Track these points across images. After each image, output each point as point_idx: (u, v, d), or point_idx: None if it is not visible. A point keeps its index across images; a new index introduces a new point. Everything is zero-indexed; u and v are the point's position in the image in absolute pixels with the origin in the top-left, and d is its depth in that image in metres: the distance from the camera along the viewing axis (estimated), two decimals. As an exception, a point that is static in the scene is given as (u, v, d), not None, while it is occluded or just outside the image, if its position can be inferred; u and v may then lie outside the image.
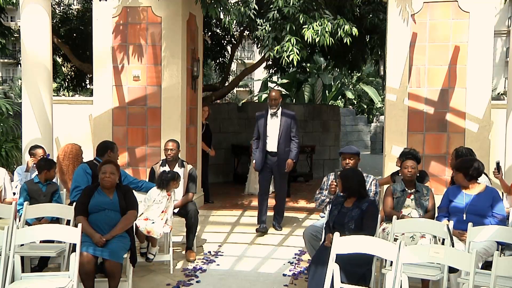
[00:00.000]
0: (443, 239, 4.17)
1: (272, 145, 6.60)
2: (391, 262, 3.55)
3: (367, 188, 4.65)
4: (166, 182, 5.05)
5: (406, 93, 6.78)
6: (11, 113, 8.56)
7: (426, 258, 3.52)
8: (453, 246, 3.96)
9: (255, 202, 7.77)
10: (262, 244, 6.18)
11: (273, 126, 6.58)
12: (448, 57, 6.67)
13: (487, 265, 4.10)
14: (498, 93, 23.67)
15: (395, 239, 4.24)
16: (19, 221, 4.62)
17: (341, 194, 4.47)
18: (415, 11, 6.68)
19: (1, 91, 24.19)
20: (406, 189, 4.83)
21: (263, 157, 6.65)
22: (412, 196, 4.80)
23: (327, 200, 5.01)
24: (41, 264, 4.88)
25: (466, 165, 4.58)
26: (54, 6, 11.26)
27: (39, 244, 4.55)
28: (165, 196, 5.03)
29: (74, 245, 3.83)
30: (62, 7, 12.08)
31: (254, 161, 6.87)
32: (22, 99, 6.29)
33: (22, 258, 4.18)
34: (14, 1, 8.19)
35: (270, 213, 6.85)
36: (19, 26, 6.63)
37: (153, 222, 4.91)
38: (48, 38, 6.27)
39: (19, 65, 12.45)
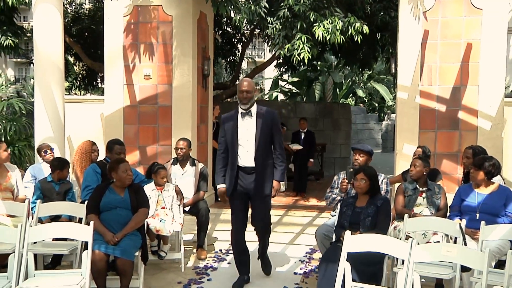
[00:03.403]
0: (455, 238, 4.14)
1: (246, 157, 4.53)
2: (403, 260, 3.53)
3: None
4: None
5: (417, 91, 6.73)
6: (23, 112, 8.63)
7: (439, 257, 3.49)
8: (465, 245, 3.93)
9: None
10: (273, 242, 6.13)
11: (247, 129, 4.53)
12: (460, 55, 6.61)
13: (500, 264, 4.08)
14: (511, 91, 23.41)
15: (407, 237, 4.22)
16: (32, 219, 4.67)
17: (353, 193, 4.44)
18: (426, 8, 6.64)
19: (14, 90, 24.40)
20: (418, 187, 4.81)
21: (234, 177, 4.57)
22: (424, 195, 4.77)
23: (338, 198, 4.99)
24: (54, 262, 4.93)
25: (489, 163, 4.49)
26: (65, 6, 11.36)
27: (52, 242, 4.59)
28: (153, 190, 5.13)
29: (86, 243, 3.86)
30: (73, 7, 12.20)
31: (220, 186, 4.65)
32: (34, 98, 6.34)
33: (35, 255, 4.23)
34: (27, 1, 8.24)
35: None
36: (32, 26, 6.68)
37: (161, 220, 4.94)
38: (60, 38, 6.31)
39: (32, 64, 12.55)
